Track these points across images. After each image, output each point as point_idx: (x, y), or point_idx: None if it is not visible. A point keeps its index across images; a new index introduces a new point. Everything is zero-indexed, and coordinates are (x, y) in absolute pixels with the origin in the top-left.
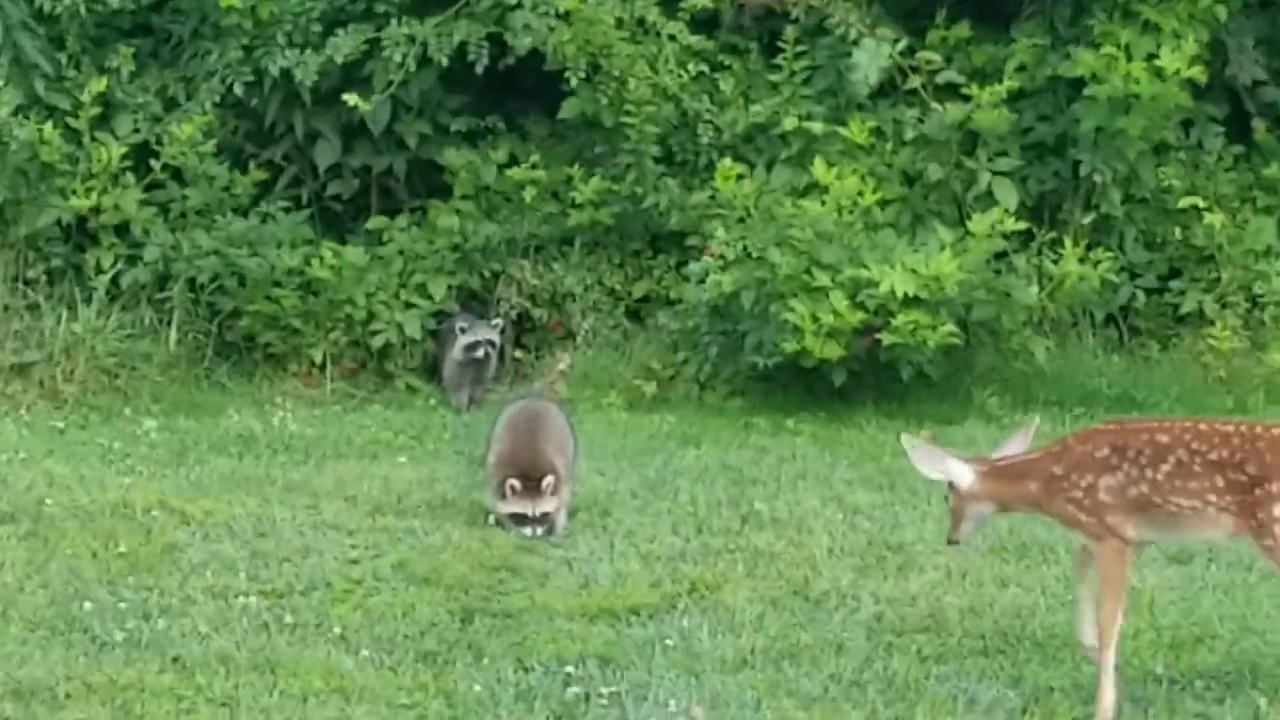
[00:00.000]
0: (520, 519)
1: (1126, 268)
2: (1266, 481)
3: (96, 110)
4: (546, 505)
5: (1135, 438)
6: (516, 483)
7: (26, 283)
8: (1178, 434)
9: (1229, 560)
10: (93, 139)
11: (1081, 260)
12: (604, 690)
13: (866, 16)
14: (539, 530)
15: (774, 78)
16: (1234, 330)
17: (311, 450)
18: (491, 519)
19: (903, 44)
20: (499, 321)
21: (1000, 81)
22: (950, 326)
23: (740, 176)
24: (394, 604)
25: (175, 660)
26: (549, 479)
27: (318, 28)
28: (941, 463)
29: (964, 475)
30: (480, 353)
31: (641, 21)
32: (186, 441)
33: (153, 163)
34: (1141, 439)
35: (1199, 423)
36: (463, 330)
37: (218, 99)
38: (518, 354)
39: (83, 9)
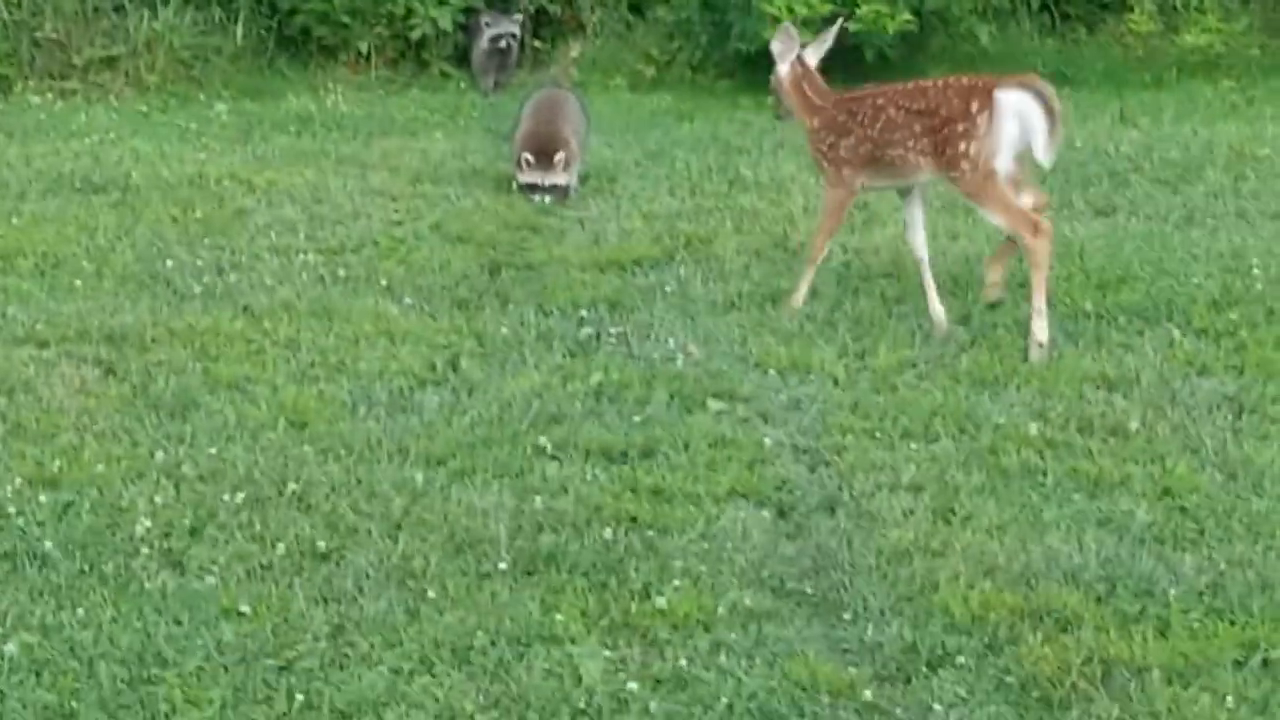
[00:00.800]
0: (534, 188)
1: None
2: (953, 122)
3: None
4: (558, 178)
5: (861, 103)
6: (531, 157)
7: None
8: (890, 95)
9: (1148, 213)
10: None
11: None
12: (612, 330)
13: None
14: (548, 199)
15: None
16: (1150, 15)
17: (359, 128)
18: (515, 187)
19: None
20: (519, 16)
21: None
22: (907, 15)
23: None
24: (432, 259)
25: (245, 308)
26: (560, 155)
27: None
28: (782, 43)
29: (781, 68)
30: (503, 43)
31: None
32: (252, 121)
33: None
34: (865, 103)
35: (908, 83)
36: (488, 24)
37: None
38: (536, 44)
39: None
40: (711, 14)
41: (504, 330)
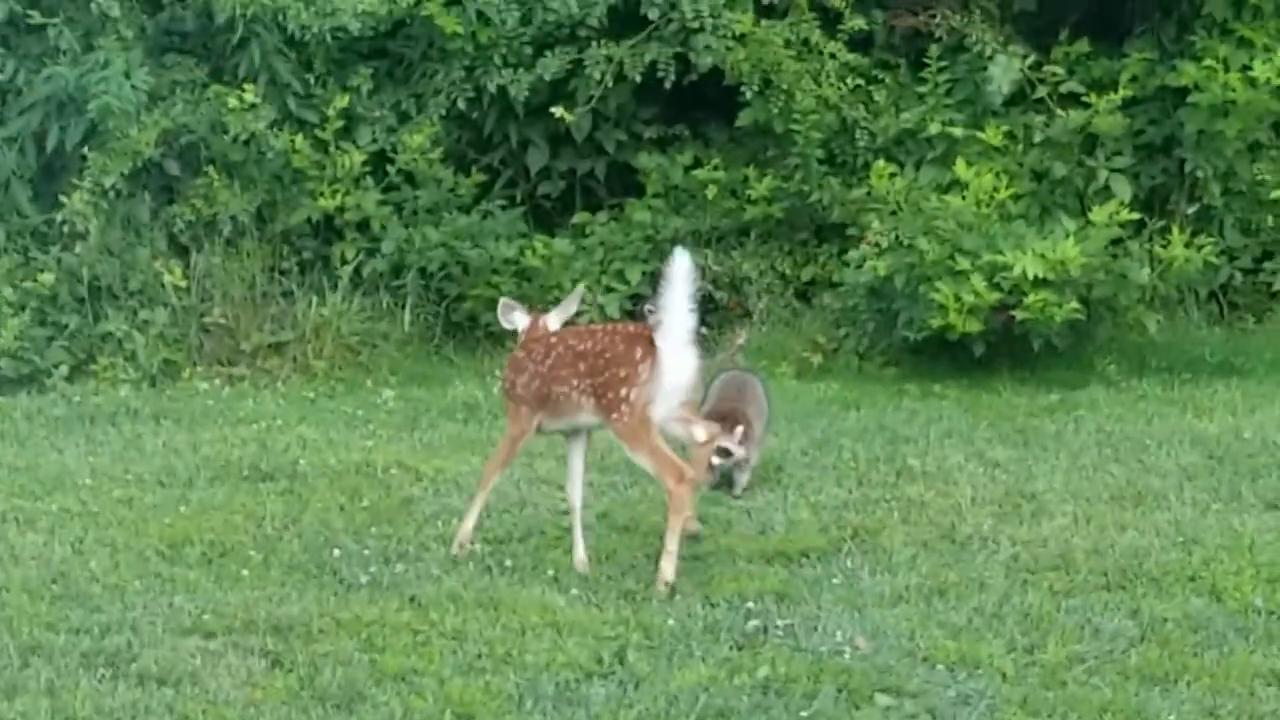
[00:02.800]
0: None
1: (1226, 251)
2: (615, 367)
3: (340, 123)
4: (729, 444)
5: (541, 342)
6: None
7: (281, 273)
8: (562, 334)
9: None
10: (337, 148)
11: (1187, 245)
12: (779, 623)
13: (1000, 35)
14: (726, 464)
15: (920, 89)
16: None
17: None
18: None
19: (1031, 59)
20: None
21: (1115, 91)
22: (1074, 304)
23: (892, 175)
24: (599, 549)
25: (412, 599)
26: (740, 429)
27: (529, 50)
28: (508, 314)
29: (519, 326)
30: None
31: (806, 41)
32: (419, 409)
33: (388, 168)
34: (543, 342)
35: (583, 326)
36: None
37: (444, 112)
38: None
39: (328, 36)
40: (878, 301)
41: (670, 622)
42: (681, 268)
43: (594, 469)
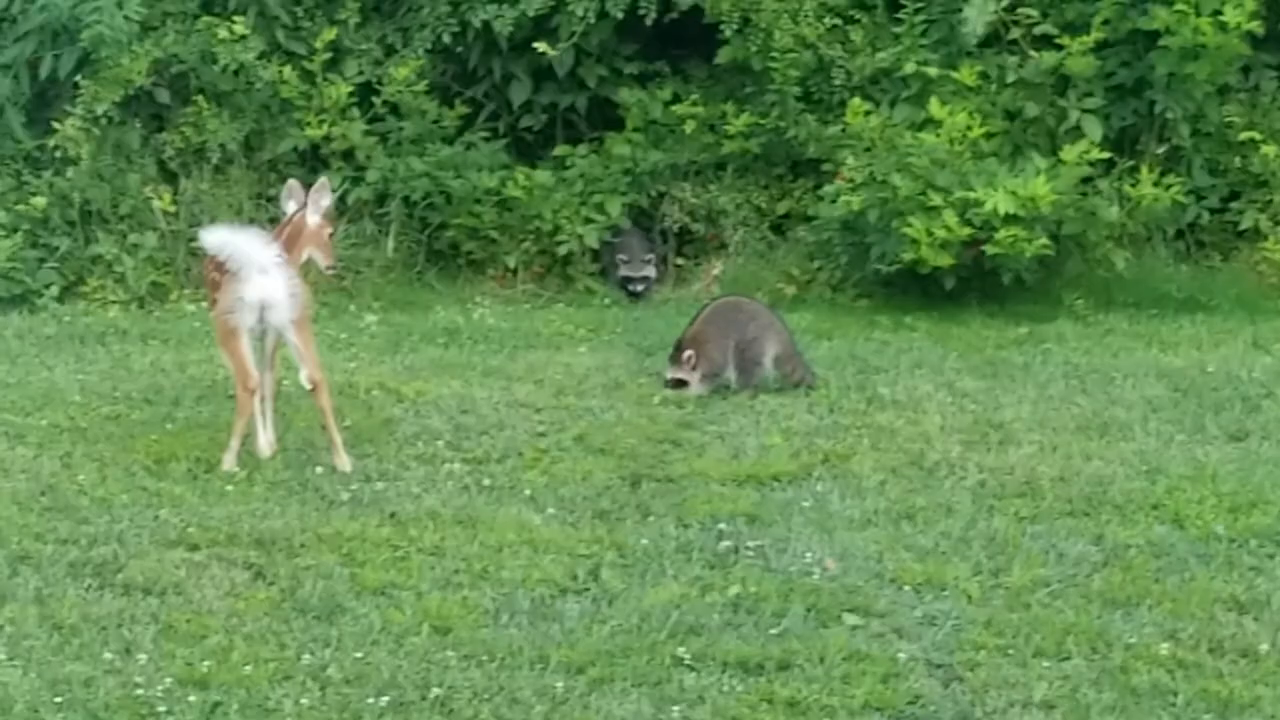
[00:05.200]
0: (665, 381)
1: (1193, 191)
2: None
3: (327, 55)
4: (679, 373)
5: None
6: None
7: (268, 200)
8: None
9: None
10: (324, 79)
11: (1155, 184)
12: (750, 544)
13: None
14: (669, 391)
15: (896, 29)
16: None
17: (505, 341)
18: (657, 399)
19: (1005, 1)
20: (651, 256)
21: (1088, 33)
22: (1044, 240)
23: (868, 113)
24: (574, 470)
25: (392, 516)
26: (688, 353)
27: None
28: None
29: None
30: (637, 288)
31: None
32: (401, 333)
33: (374, 100)
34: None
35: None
36: (623, 262)
37: (429, 46)
38: (679, 261)
39: None
40: (852, 235)
41: (644, 541)
42: (213, 239)
43: (571, 393)
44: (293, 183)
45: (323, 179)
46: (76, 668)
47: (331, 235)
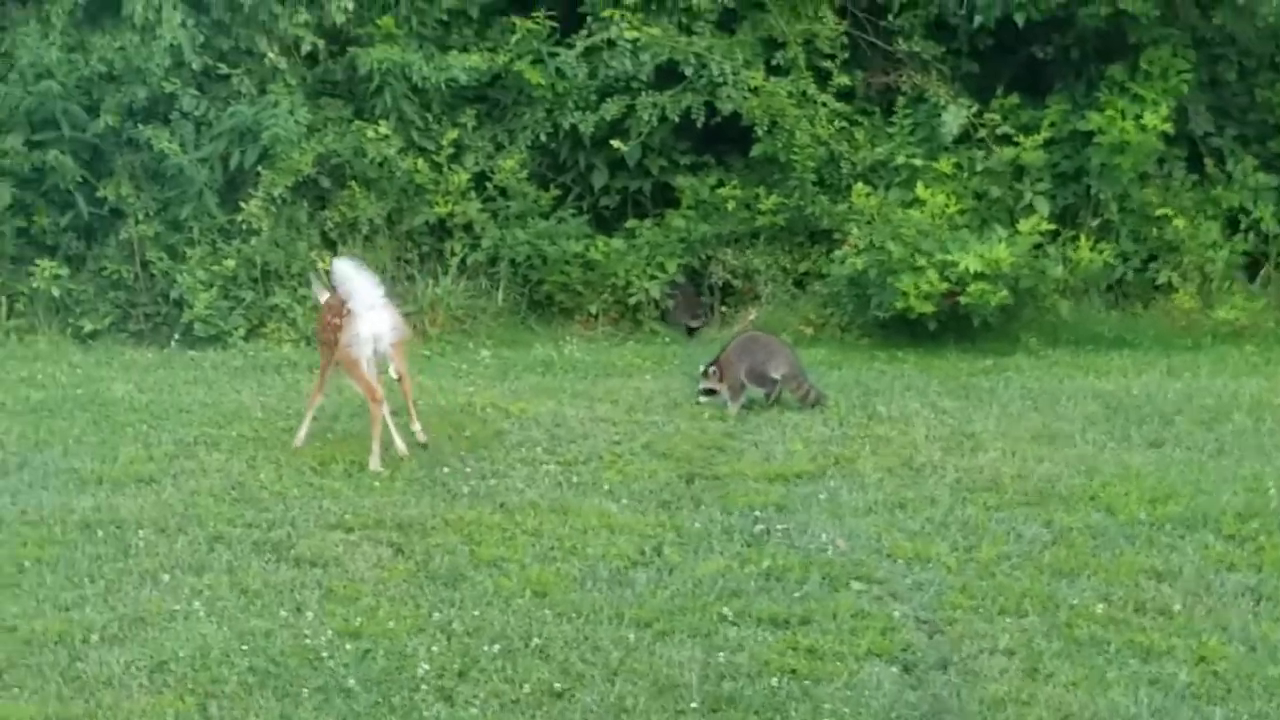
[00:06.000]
0: (699, 392)
1: (1121, 254)
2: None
3: (451, 150)
4: (708, 384)
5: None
6: (701, 367)
7: (406, 261)
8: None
9: (1187, 446)
10: (449, 169)
11: (1091, 249)
12: (779, 527)
13: (951, 90)
14: (703, 399)
15: (890, 129)
16: (1191, 295)
17: (588, 370)
18: (706, 415)
19: (975, 109)
20: (700, 314)
21: (1039, 133)
22: (1005, 292)
23: (868, 194)
24: (642, 470)
25: (501, 505)
26: (712, 367)
27: (594, 97)
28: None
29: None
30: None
31: (804, 93)
32: (508, 364)
33: (487, 184)
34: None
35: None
36: (691, 319)
37: (529, 143)
38: (723, 309)
39: (443, 85)
40: (856, 289)
41: (696, 525)
42: (343, 268)
43: (640, 410)
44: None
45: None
46: (259, 623)
47: None
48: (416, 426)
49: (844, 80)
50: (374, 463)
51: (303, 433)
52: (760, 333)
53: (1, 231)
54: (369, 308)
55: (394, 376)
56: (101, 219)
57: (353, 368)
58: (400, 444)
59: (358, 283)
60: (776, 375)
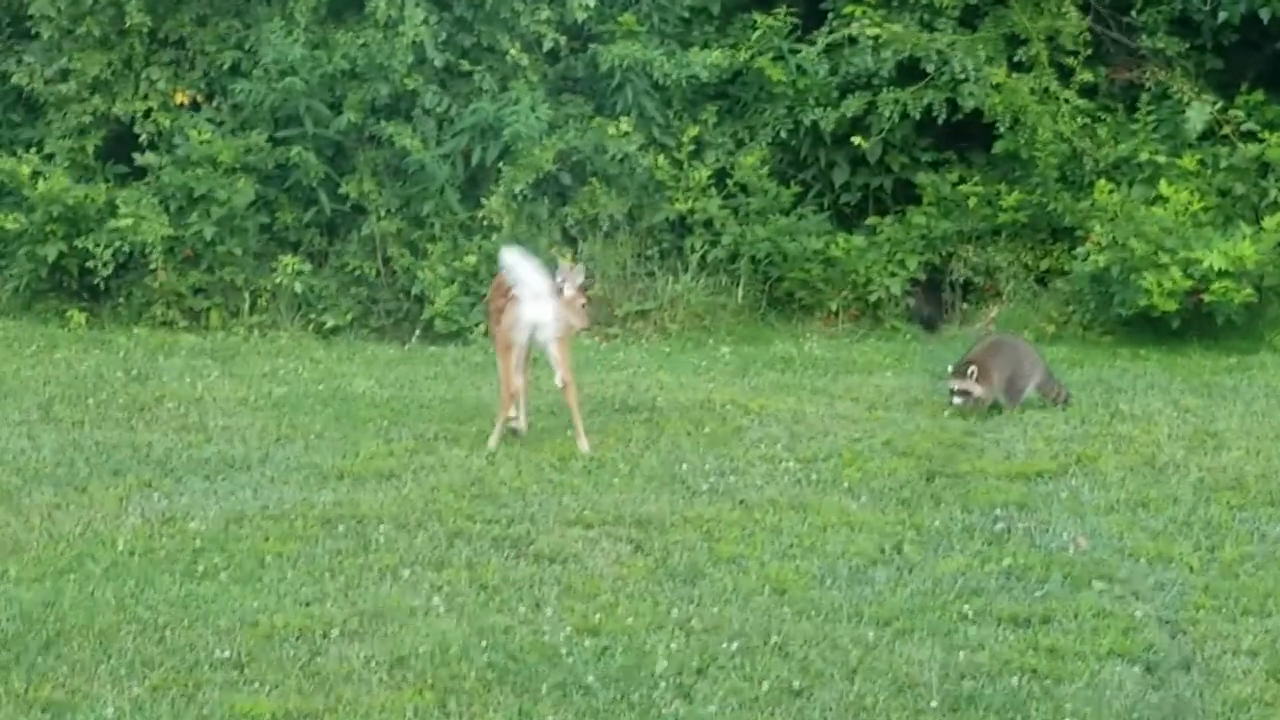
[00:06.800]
0: (951, 392)
1: None
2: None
3: (691, 147)
4: (966, 385)
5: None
6: (950, 367)
7: (646, 258)
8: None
9: None
10: (689, 165)
11: None
12: (1019, 526)
13: (1195, 87)
14: (957, 400)
15: (1134, 126)
16: None
17: (828, 367)
18: (947, 413)
19: (1219, 105)
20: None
21: None
22: (1249, 290)
23: (1111, 191)
24: (882, 468)
25: (741, 502)
26: (972, 368)
27: (835, 94)
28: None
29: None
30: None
31: (1047, 90)
32: (748, 361)
33: (728, 181)
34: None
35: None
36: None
37: (770, 140)
38: (964, 306)
39: (684, 81)
40: (1099, 286)
41: (937, 523)
42: (509, 257)
43: (880, 408)
44: (564, 264)
45: (579, 265)
46: (498, 619)
47: (584, 305)
48: (582, 442)
49: (1087, 76)
50: (493, 440)
51: (495, 436)
52: (1008, 337)
53: (245, 228)
54: (535, 296)
55: (558, 385)
56: (344, 215)
57: (503, 352)
58: (523, 423)
59: (524, 271)
60: (1031, 386)
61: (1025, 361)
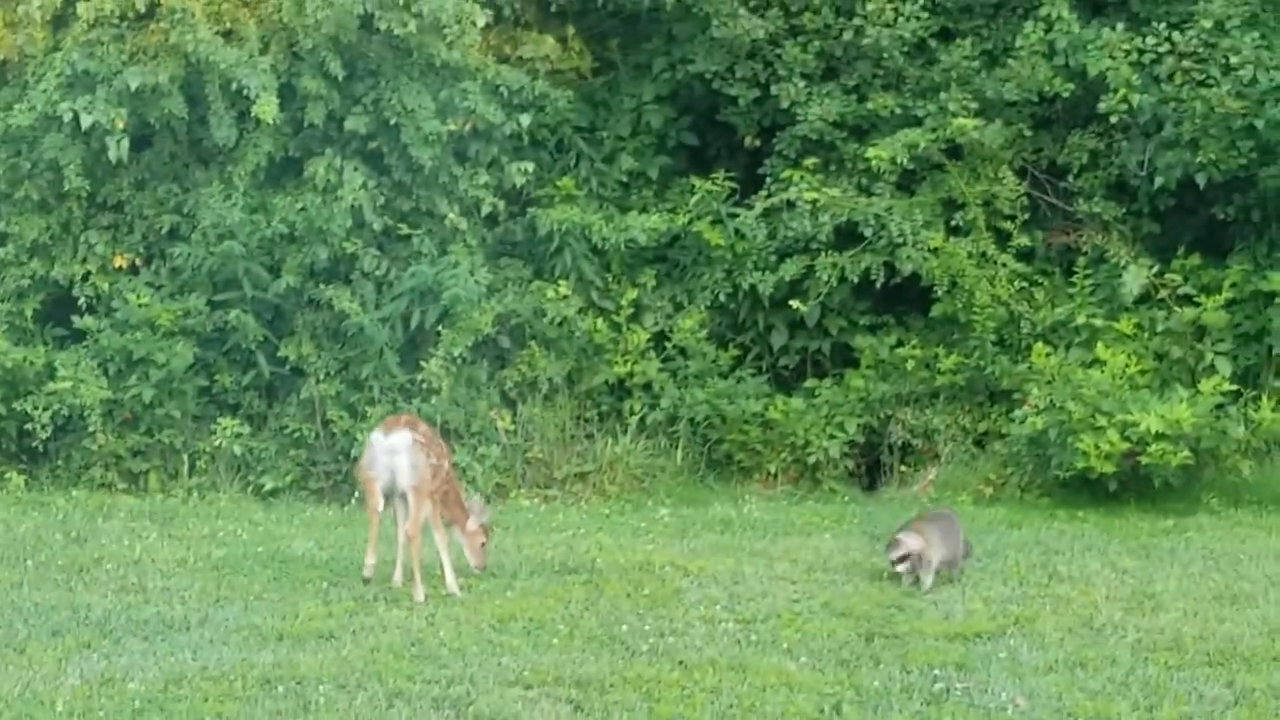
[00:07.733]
0: (892, 563)
1: None
2: None
3: (630, 310)
4: (904, 547)
5: None
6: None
7: (585, 420)
8: None
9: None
10: (628, 328)
11: (1274, 410)
12: (959, 686)
13: (1131, 251)
14: (901, 568)
15: (1070, 290)
16: None
17: (767, 529)
18: (885, 575)
19: (1155, 269)
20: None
21: (1220, 293)
22: (1186, 453)
23: (1048, 354)
24: (821, 628)
25: (680, 663)
26: (907, 535)
27: (773, 258)
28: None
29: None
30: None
31: (984, 254)
32: (687, 522)
33: (666, 344)
34: None
35: None
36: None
37: (708, 303)
38: (902, 468)
39: (622, 245)
40: (1036, 449)
41: (876, 683)
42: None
43: (819, 569)
44: (475, 498)
45: (485, 504)
46: None
47: (483, 545)
48: (415, 589)
49: (1024, 240)
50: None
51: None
52: (948, 511)
53: (184, 390)
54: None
55: (400, 539)
56: (283, 378)
57: (369, 484)
58: (397, 576)
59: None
60: (964, 560)
61: (960, 541)
